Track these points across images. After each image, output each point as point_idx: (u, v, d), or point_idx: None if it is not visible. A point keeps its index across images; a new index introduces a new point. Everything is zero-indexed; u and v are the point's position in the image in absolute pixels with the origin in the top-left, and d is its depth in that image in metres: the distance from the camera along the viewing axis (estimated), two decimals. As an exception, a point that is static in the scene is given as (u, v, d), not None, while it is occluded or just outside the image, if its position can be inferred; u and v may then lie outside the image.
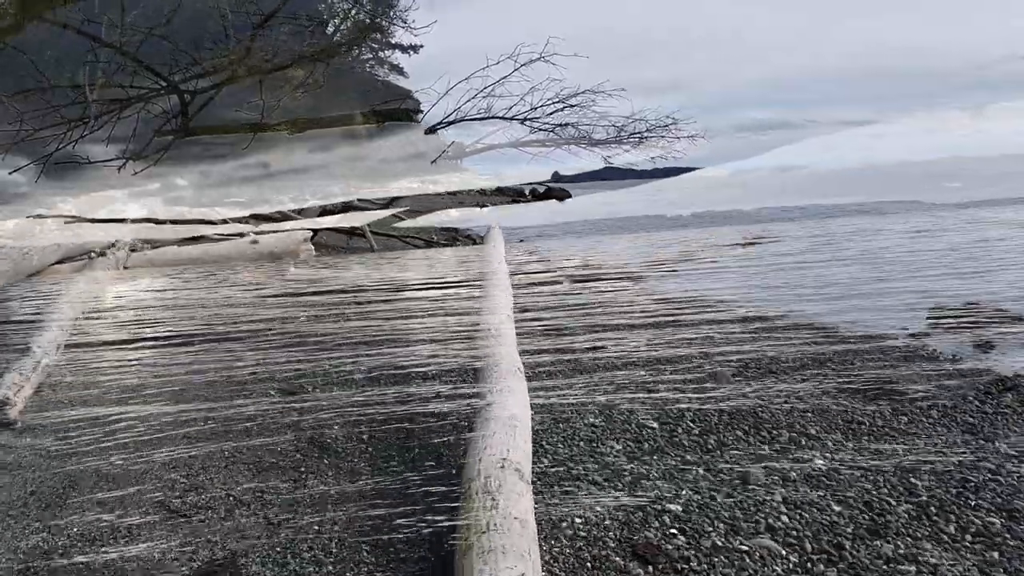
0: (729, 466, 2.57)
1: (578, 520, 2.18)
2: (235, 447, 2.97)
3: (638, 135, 9.22)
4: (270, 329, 5.09)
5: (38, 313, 5.14)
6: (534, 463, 2.46)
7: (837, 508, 2.26)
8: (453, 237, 11.73)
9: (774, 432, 2.90)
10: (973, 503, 2.28)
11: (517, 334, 4.20)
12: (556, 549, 2.04)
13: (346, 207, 11.53)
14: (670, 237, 11.31)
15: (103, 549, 2.20)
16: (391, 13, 9.49)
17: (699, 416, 3.07)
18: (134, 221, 10.03)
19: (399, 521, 2.24)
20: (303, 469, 2.72)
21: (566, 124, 9.03)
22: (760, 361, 3.94)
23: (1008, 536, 2.08)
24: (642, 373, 3.83)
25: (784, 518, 2.20)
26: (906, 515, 2.22)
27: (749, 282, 6.72)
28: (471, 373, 3.64)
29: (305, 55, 8.38)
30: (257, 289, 6.61)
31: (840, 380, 3.55)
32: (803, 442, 2.80)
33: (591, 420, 3.04)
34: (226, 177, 10.33)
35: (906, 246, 8.45)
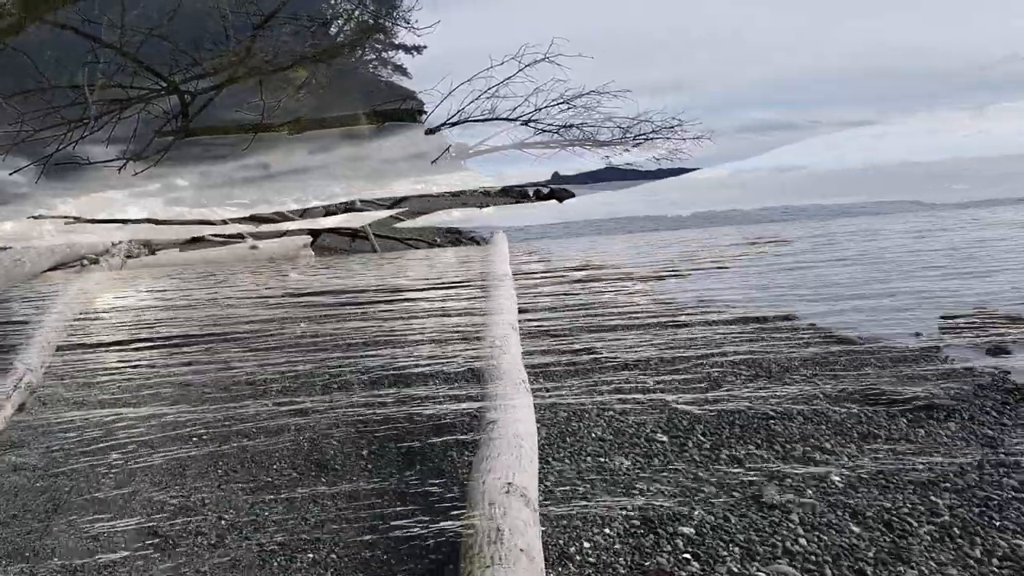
0: (742, 483, 2.48)
1: (587, 544, 2.09)
2: (228, 464, 2.87)
3: (643, 136, 9.11)
4: (269, 334, 5.01)
5: (26, 322, 5.03)
6: (540, 479, 2.37)
7: (856, 529, 2.17)
8: (456, 239, 11.65)
9: (787, 446, 2.81)
10: (998, 523, 2.19)
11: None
12: (564, 576, 1.95)
13: (348, 208, 11.45)
14: (670, 237, 11.26)
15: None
16: (394, 14, 9.40)
17: (709, 429, 2.98)
18: (134, 222, 9.98)
19: (401, 551, 2.15)
20: (299, 489, 2.62)
21: (571, 125, 8.93)
22: (766, 365, 3.86)
23: (1037, 561, 1.99)
24: (644, 375, 3.78)
25: (802, 541, 2.11)
26: (929, 537, 2.13)
27: (749, 282, 6.70)
28: (476, 385, 3.55)
29: (306, 56, 8.30)
30: (257, 290, 6.54)
31: (852, 387, 3.46)
32: (818, 456, 2.71)
33: (598, 433, 2.95)
34: (226, 178, 10.26)
35: (908, 246, 8.43)
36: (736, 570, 1.98)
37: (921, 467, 2.62)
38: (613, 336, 4.61)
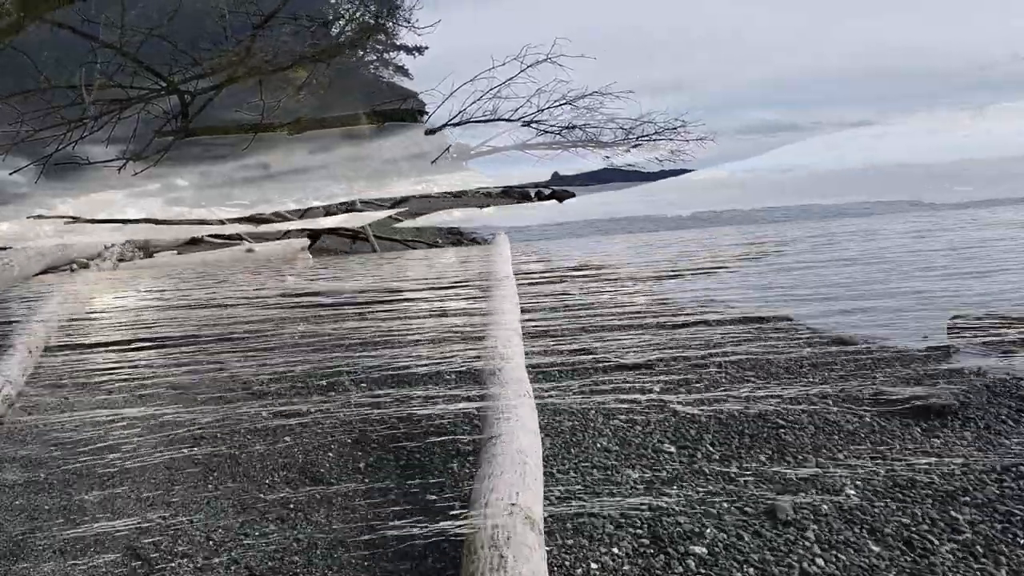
0: (754, 497, 2.39)
1: (594, 565, 1.99)
2: (218, 478, 2.75)
3: (646, 137, 9.02)
4: (267, 335, 4.93)
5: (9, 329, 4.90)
6: (545, 494, 2.28)
7: (876, 548, 2.08)
8: (458, 239, 11.57)
9: (799, 456, 2.73)
10: (1022, 541, 2.10)
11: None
12: (571, 600, 1.87)
13: (348, 208, 11.38)
14: (670, 237, 11.21)
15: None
16: (396, 14, 9.32)
17: (718, 439, 2.89)
18: (133, 222, 9.91)
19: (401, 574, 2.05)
20: (292, 506, 2.50)
21: (573, 126, 8.84)
22: (771, 368, 3.78)
23: (1066, 583, 1.90)
24: (645, 377, 3.72)
25: (819, 561, 2.02)
26: (951, 556, 2.04)
27: (749, 282, 6.65)
28: (478, 395, 3.45)
29: (306, 56, 8.24)
30: (255, 291, 6.45)
31: (862, 394, 3.38)
32: (831, 468, 2.62)
33: (604, 444, 2.86)
34: (226, 178, 10.21)
35: (908, 246, 8.40)
36: (751, 593, 1.90)
37: (938, 479, 2.53)
38: (613, 336, 4.56)
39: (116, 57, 7.56)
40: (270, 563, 2.13)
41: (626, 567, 1.99)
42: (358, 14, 10.32)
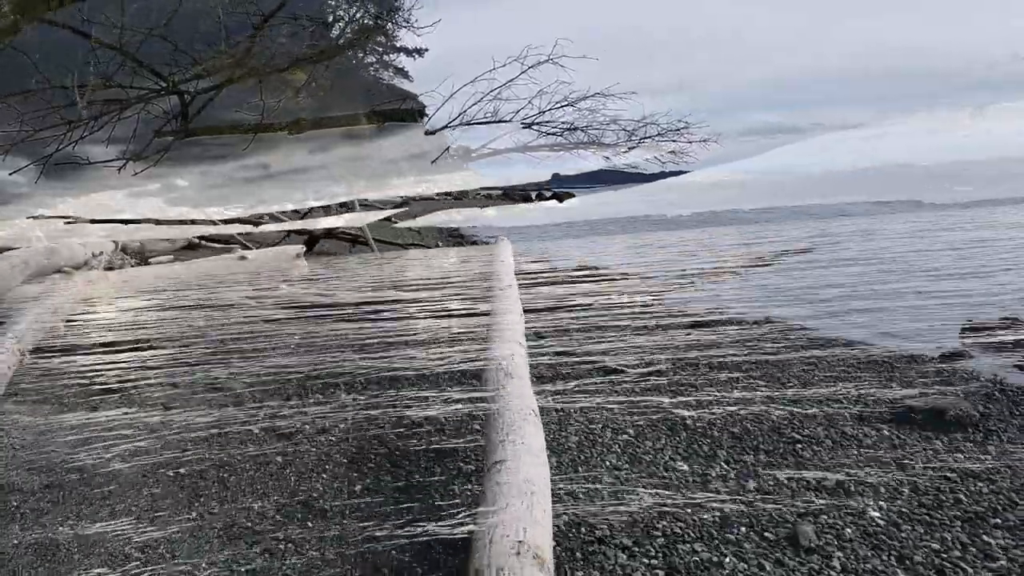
0: (773, 520, 2.27)
1: (607, 599, 1.88)
2: (204, 504, 2.55)
3: (649, 139, 8.90)
4: (265, 338, 4.80)
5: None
6: (552, 520, 2.16)
7: (905, 578, 1.97)
8: (458, 241, 11.46)
9: (819, 474, 2.61)
10: (1060, 571, 1.98)
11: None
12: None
13: (348, 209, 11.28)
14: (669, 237, 11.12)
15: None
16: (395, 15, 9.20)
17: (732, 456, 2.77)
18: (132, 222, 9.83)
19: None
20: (281, 536, 2.32)
21: (575, 128, 8.72)
22: (780, 376, 3.67)
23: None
24: (646, 378, 3.63)
25: (846, 594, 1.90)
26: (986, 587, 1.92)
27: (749, 282, 6.57)
28: (483, 417, 3.31)
29: (305, 56, 8.13)
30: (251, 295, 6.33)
31: (878, 405, 3.26)
32: (853, 488, 2.50)
33: (613, 461, 2.74)
34: (226, 178, 10.12)
35: (909, 246, 8.31)
36: (776, 630, 1.78)
37: (965, 498, 2.41)
38: (613, 336, 4.47)
39: (116, 57, 7.47)
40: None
41: (641, 602, 1.87)
42: (358, 15, 10.22)
